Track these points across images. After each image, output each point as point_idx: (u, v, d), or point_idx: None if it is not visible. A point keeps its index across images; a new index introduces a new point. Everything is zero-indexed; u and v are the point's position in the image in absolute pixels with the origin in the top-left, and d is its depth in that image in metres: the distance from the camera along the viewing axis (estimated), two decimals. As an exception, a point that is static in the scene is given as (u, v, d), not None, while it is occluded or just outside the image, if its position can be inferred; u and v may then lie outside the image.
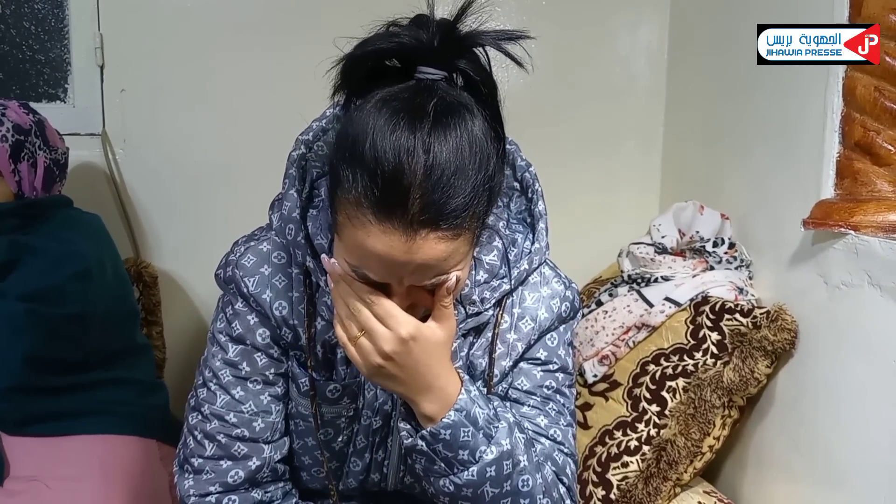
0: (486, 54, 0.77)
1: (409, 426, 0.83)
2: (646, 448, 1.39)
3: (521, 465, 0.84)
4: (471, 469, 0.81)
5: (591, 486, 1.40)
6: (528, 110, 1.81)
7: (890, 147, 1.19)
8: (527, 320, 0.93)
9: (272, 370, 0.90)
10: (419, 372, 0.79)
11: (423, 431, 0.80)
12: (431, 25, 0.74)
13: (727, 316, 1.41)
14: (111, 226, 1.55)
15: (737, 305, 1.42)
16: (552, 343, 0.95)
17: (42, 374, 1.29)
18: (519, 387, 0.94)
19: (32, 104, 1.47)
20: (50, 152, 1.43)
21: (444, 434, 0.79)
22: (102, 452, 1.31)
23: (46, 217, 1.39)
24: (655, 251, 1.63)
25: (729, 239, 1.57)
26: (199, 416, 0.90)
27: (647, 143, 1.96)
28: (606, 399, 1.50)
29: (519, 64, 0.76)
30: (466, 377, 0.83)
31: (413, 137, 0.68)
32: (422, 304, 0.80)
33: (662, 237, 1.64)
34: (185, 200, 1.75)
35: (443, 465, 0.81)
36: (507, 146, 0.89)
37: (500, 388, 0.94)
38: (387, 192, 0.68)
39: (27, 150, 1.38)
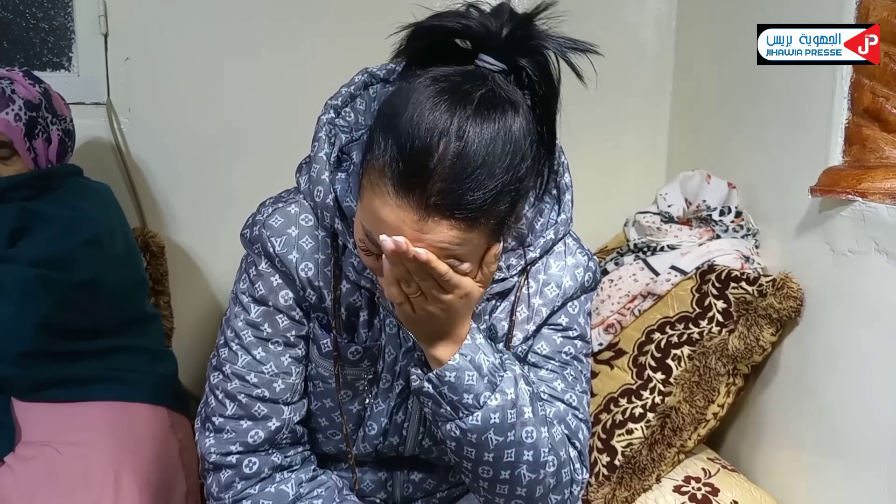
0: (557, 60, 0.78)
1: (419, 370, 0.85)
2: (650, 415, 1.40)
3: (526, 415, 0.85)
4: (475, 414, 0.82)
5: (595, 453, 1.41)
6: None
7: (899, 114, 1.19)
8: (552, 286, 0.95)
9: (293, 332, 0.91)
10: (453, 321, 0.80)
11: (430, 374, 0.83)
12: (505, 16, 0.75)
13: (733, 284, 1.42)
14: (117, 196, 1.54)
15: (743, 274, 1.42)
16: (573, 311, 0.97)
17: (53, 340, 1.30)
18: (538, 351, 0.96)
19: (36, 73, 1.45)
20: (60, 123, 1.42)
21: (449, 376, 0.81)
22: (113, 418, 1.32)
23: (57, 186, 1.39)
24: (662, 220, 1.63)
25: (736, 207, 1.57)
26: (221, 376, 0.91)
27: (655, 111, 1.95)
28: (611, 367, 1.51)
29: (580, 77, 0.78)
30: (475, 326, 0.85)
31: (450, 121, 0.69)
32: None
33: (669, 206, 1.64)
34: (191, 170, 1.74)
35: (448, 408, 0.83)
36: None
37: (521, 349, 0.95)
38: (410, 169, 0.69)
39: (40, 126, 1.38)
